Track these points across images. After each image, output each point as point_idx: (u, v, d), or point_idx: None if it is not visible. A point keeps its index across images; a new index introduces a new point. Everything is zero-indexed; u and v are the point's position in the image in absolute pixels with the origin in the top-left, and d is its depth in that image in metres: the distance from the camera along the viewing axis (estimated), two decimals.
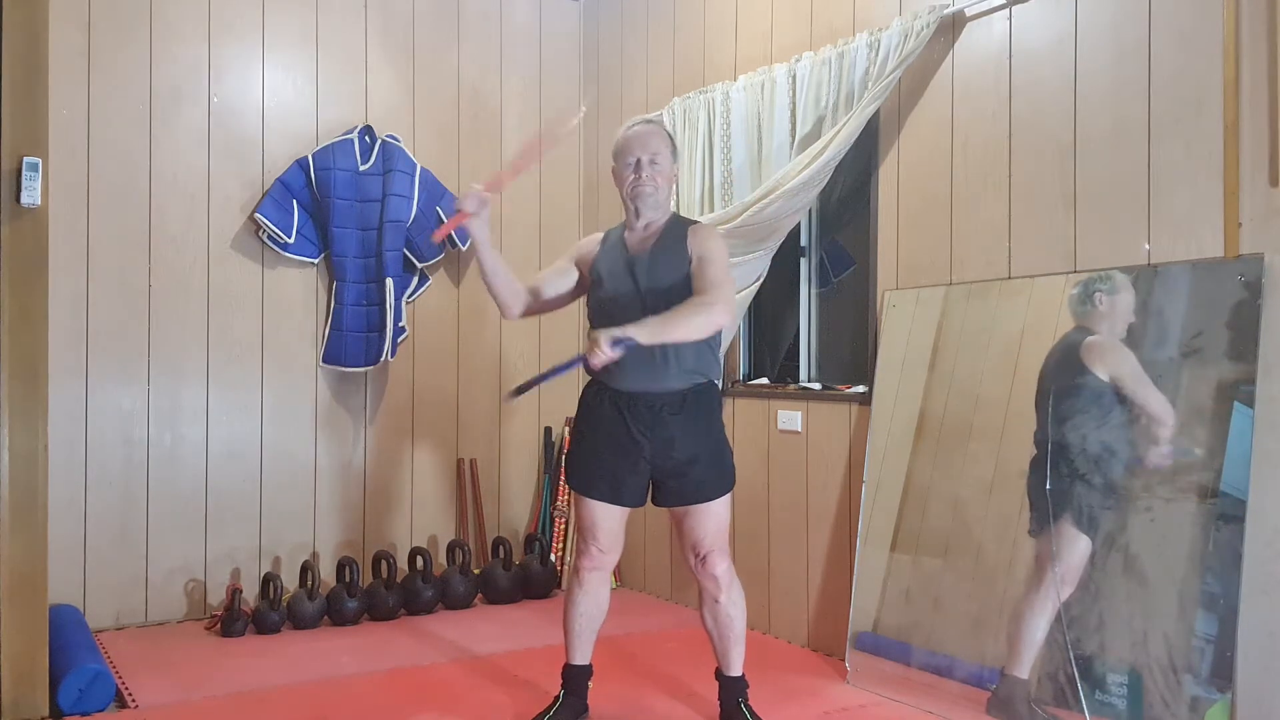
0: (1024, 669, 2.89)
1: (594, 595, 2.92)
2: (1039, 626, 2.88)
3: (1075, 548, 2.83)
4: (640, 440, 2.79)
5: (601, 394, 2.86)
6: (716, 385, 2.95)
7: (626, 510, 2.89)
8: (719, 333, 2.90)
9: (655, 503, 2.90)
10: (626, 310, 2.77)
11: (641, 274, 2.82)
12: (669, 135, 2.92)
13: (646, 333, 2.56)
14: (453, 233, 4.54)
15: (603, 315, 2.85)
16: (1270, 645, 2.50)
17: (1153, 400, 2.72)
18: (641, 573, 4.70)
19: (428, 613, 4.28)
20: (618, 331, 2.54)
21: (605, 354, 2.51)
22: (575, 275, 3.01)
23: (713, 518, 2.84)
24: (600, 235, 3.01)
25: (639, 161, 2.83)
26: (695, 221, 2.94)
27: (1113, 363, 2.84)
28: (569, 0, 5.08)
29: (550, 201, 5.00)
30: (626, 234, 2.92)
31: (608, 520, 2.87)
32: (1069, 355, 2.92)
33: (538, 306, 3.00)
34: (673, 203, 4.14)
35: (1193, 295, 2.68)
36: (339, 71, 4.45)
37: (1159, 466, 2.69)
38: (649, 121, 2.93)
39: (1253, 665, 2.51)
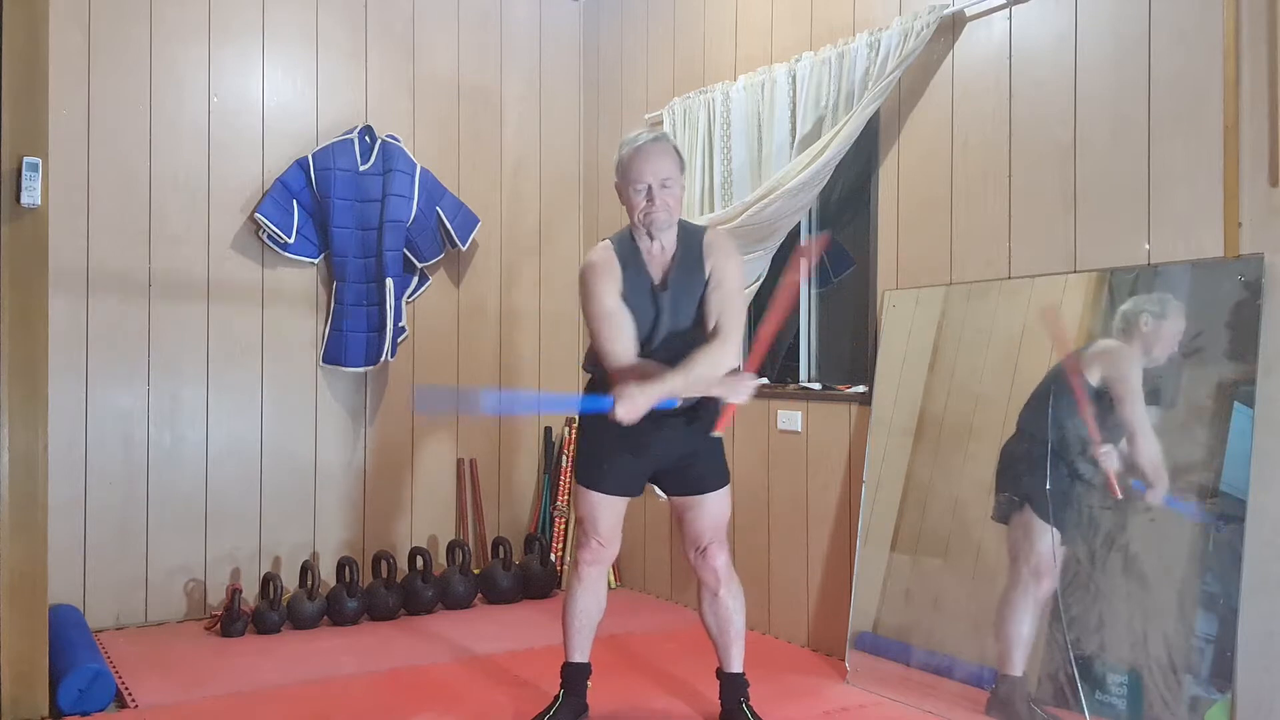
0: (1017, 667, 2.89)
1: (593, 591, 2.93)
2: (1023, 622, 2.88)
3: (1043, 539, 2.84)
4: (647, 438, 2.80)
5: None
6: None
7: (625, 503, 2.92)
8: None
9: (662, 489, 2.93)
10: (648, 340, 2.78)
11: (666, 307, 2.77)
12: (675, 150, 2.80)
13: (663, 395, 2.63)
14: (453, 232, 4.54)
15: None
16: (1270, 645, 2.50)
17: (1137, 417, 2.71)
18: (641, 572, 4.70)
19: (428, 613, 4.28)
20: (626, 406, 2.59)
21: (638, 411, 2.60)
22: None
23: (713, 511, 2.88)
24: (610, 249, 2.81)
25: (650, 188, 2.72)
26: (705, 229, 2.87)
27: (1112, 370, 2.82)
28: (569, 0, 5.08)
29: (551, 202, 5.00)
30: (642, 255, 2.80)
31: (607, 513, 2.89)
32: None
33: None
34: None
35: (1193, 295, 2.68)
36: (339, 71, 4.45)
37: (1111, 492, 2.72)
38: (656, 139, 2.76)
39: (1253, 665, 2.51)
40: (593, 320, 2.78)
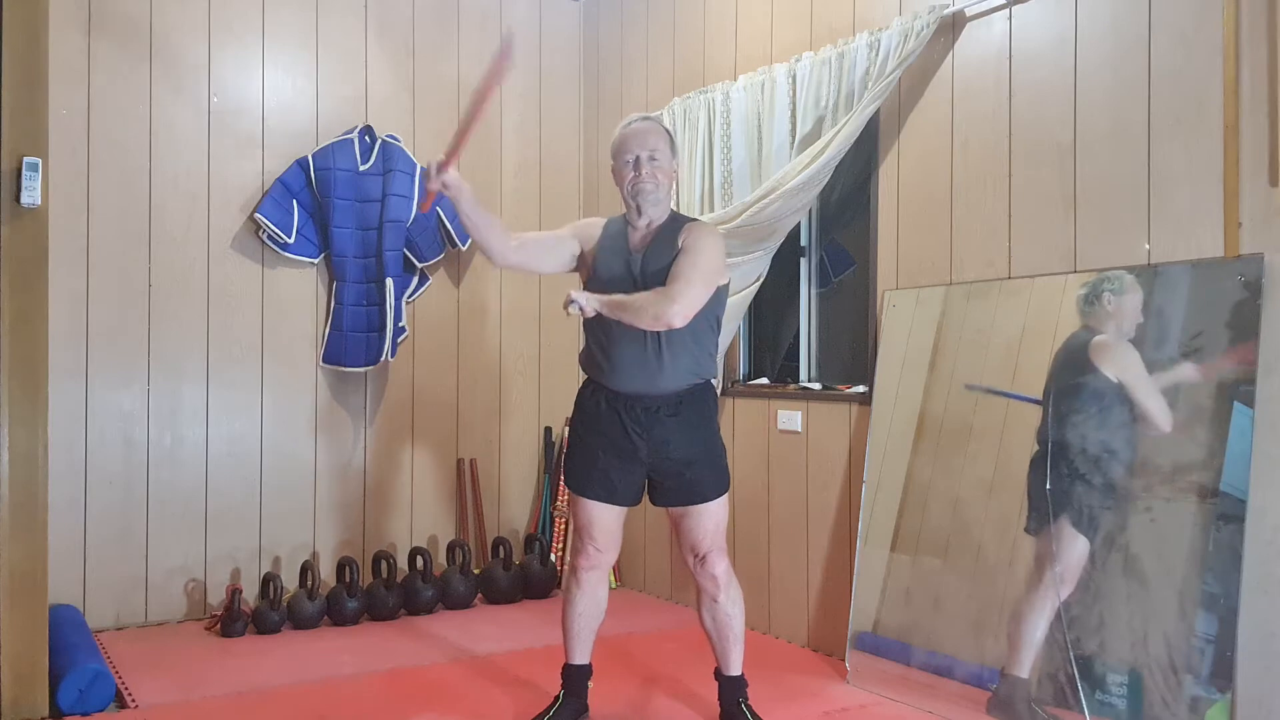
0: (1024, 669, 2.89)
1: (592, 595, 2.92)
2: (1038, 626, 2.88)
3: (1074, 548, 2.83)
4: (636, 441, 2.79)
5: (598, 394, 2.86)
6: (713, 386, 2.95)
7: (624, 510, 2.89)
8: (718, 331, 2.91)
9: (653, 502, 2.91)
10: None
11: (637, 272, 2.81)
12: (667, 131, 2.91)
13: (602, 304, 2.67)
14: (453, 232, 4.55)
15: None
16: (1270, 645, 2.50)
17: (1153, 404, 2.72)
18: (641, 573, 4.70)
19: (428, 613, 4.28)
20: (579, 296, 2.65)
21: (577, 305, 2.65)
22: (574, 250, 2.94)
23: (710, 518, 2.85)
24: (602, 220, 2.98)
25: (638, 159, 2.81)
26: (694, 219, 2.93)
27: (1121, 363, 2.83)
28: (569, 0, 5.08)
29: (551, 201, 5.00)
30: (629, 230, 2.90)
31: (604, 520, 2.87)
32: (1076, 354, 2.92)
33: (527, 257, 2.93)
34: (672, 201, 4.18)
35: (1193, 295, 2.68)
36: (339, 71, 4.45)
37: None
38: (646, 118, 2.92)
39: (1253, 665, 2.51)
40: None
